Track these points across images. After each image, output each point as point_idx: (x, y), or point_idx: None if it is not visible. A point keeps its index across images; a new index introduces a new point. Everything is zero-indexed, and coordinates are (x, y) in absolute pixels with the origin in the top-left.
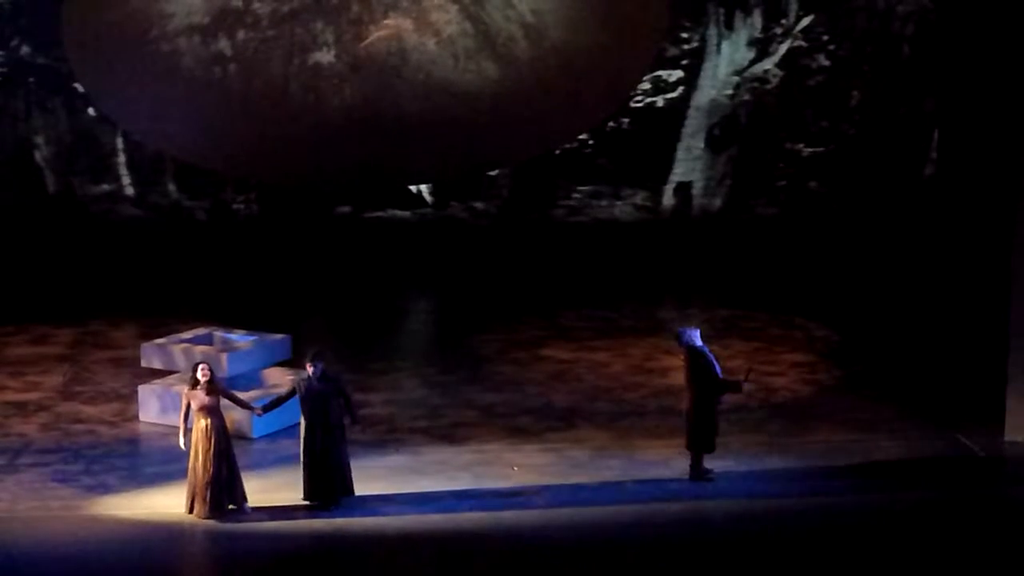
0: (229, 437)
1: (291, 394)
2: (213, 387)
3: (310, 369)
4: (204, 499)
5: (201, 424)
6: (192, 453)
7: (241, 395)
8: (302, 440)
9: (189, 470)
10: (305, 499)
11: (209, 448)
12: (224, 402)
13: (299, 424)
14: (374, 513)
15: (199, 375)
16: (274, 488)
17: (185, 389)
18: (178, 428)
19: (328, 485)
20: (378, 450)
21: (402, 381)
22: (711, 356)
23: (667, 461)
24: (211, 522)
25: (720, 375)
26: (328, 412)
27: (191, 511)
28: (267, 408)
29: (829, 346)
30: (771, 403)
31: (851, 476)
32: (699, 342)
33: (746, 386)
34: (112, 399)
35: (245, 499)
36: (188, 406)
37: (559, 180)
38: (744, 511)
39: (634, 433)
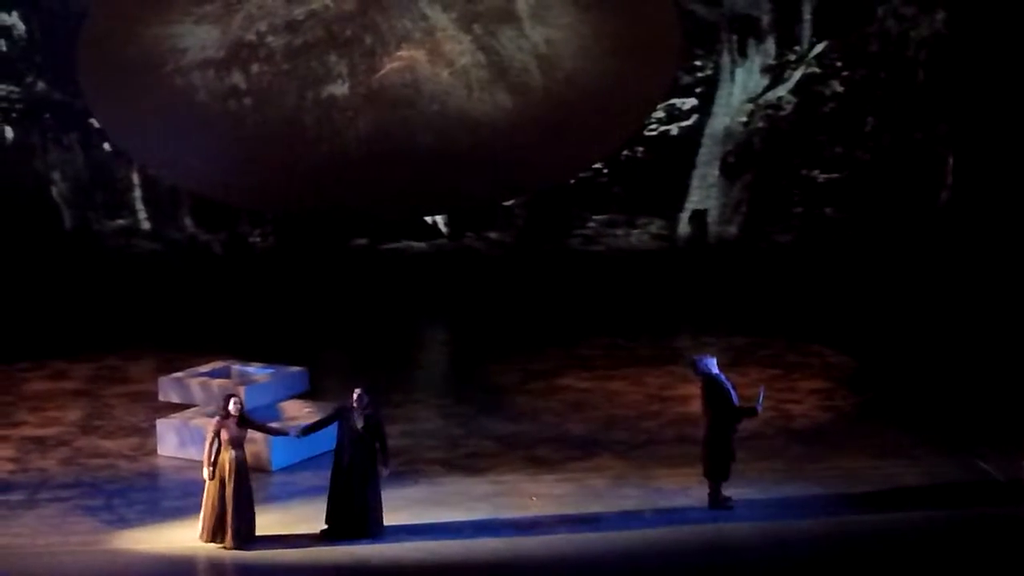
0: (248, 469)
1: (332, 418)
2: (243, 419)
3: (356, 398)
4: (235, 529)
5: (229, 455)
6: (216, 484)
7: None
8: (332, 466)
9: (210, 499)
10: (325, 522)
11: (236, 480)
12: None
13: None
14: (394, 544)
15: (231, 407)
16: (294, 521)
17: (215, 420)
18: (195, 461)
19: (345, 517)
20: (397, 481)
21: (419, 412)
22: (728, 384)
23: (686, 489)
24: (235, 553)
25: (736, 402)
26: (363, 446)
27: (212, 540)
28: (307, 431)
29: (846, 372)
30: (789, 430)
31: (870, 502)
32: (715, 370)
33: (761, 410)
34: (130, 433)
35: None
36: (216, 437)
37: (574, 209)
38: (763, 538)
39: (652, 462)
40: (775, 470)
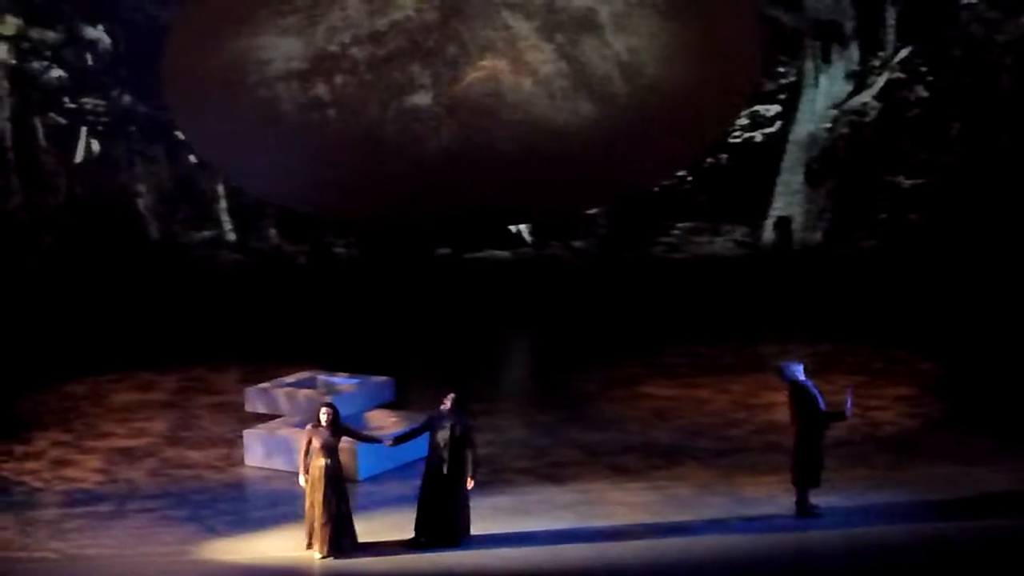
0: (344, 477)
1: (424, 428)
2: (337, 427)
3: (448, 405)
4: (323, 538)
5: (320, 463)
6: (310, 491)
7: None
8: (423, 474)
9: (307, 508)
10: (414, 530)
11: (328, 487)
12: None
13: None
14: (480, 552)
15: (321, 417)
16: (380, 530)
17: (307, 427)
18: (282, 471)
19: (434, 525)
20: (481, 490)
21: (503, 421)
22: (814, 390)
23: (772, 497)
24: (327, 561)
25: (824, 408)
26: (453, 455)
27: (309, 548)
28: (399, 440)
29: (933, 379)
30: (876, 437)
31: (958, 509)
32: (802, 376)
33: (850, 414)
34: (217, 444)
35: (356, 539)
36: (309, 444)
37: (658, 217)
38: (851, 546)
39: (738, 470)
40: (862, 477)
